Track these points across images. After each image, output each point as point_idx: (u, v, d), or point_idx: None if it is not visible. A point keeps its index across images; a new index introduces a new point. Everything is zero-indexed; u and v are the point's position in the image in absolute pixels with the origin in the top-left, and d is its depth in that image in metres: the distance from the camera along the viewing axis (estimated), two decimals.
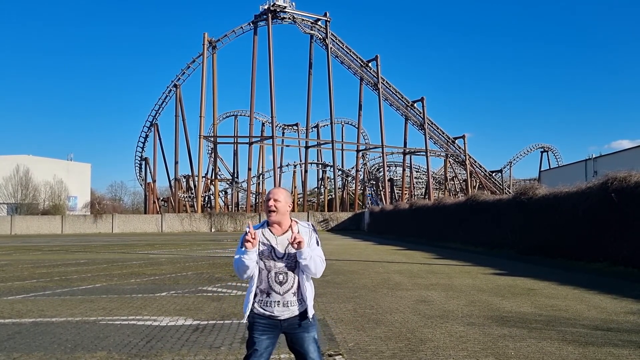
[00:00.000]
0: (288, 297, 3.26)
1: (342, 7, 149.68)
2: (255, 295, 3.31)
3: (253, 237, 3.21)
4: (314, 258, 3.27)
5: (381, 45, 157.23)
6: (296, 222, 3.42)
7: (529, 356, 5.28)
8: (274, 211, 3.31)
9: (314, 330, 3.36)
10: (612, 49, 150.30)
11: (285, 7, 59.78)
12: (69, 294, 9.89)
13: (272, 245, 3.29)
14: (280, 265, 3.27)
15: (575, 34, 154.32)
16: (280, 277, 3.26)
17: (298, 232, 3.28)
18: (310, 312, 3.33)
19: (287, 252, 3.28)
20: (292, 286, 3.28)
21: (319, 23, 62.72)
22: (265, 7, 59.13)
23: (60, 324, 7.07)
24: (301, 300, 3.30)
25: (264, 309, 3.27)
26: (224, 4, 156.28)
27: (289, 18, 61.10)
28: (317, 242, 3.40)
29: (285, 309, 3.26)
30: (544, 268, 14.26)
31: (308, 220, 3.67)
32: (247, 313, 3.30)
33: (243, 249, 3.22)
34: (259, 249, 3.28)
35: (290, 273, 3.28)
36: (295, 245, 3.21)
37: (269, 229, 3.36)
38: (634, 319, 7.18)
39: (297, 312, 3.29)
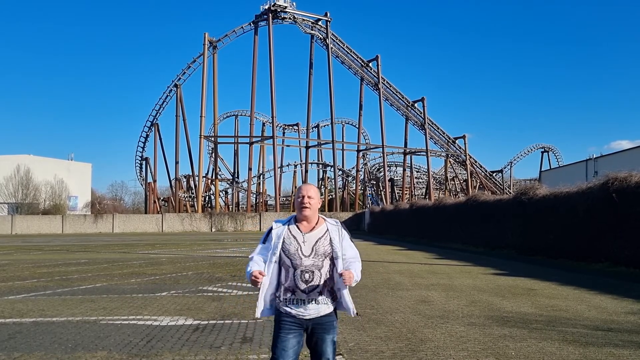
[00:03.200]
0: (313, 296, 3.17)
1: (342, 7, 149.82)
2: (280, 293, 3.23)
3: (258, 277, 3.13)
4: (358, 273, 3.26)
5: (382, 45, 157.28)
6: (324, 219, 3.36)
7: (529, 356, 5.28)
8: (308, 207, 3.25)
9: (334, 332, 3.29)
10: (611, 49, 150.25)
11: (286, 7, 59.79)
12: (70, 294, 9.90)
13: (299, 243, 3.20)
14: (308, 263, 3.17)
15: (575, 34, 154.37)
16: (307, 275, 3.17)
17: (346, 272, 3.17)
18: (351, 310, 3.27)
19: (314, 250, 3.20)
20: (318, 285, 3.18)
21: (320, 23, 62.72)
22: (266, 7, 59.15)
23: (61, 324, 7.08)
24: (327, 300, 3.22)
25: (289, 308, 3.19)
26: (224, 4, 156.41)
27: (290, 18, 61.10)
28: (351, 239, 3.35)
29: (310, 308, 3.17)
30: (544, 268, 14.26)
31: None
32: (260, 311, 3.23)
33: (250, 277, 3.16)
34: (283, 246, 3.21)
35: (316, 272, 3.18)
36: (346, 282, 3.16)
37: (296, 225, 3.28)
38: (635, 319, 7.18)
39: (323, 313, 3.21)
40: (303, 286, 3.17)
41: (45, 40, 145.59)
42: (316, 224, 3.29)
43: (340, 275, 3.17)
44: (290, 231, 3.25)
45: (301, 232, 3.24)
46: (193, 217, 56.53)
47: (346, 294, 3.27)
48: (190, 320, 7.25)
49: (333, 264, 3.24)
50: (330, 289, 3.26)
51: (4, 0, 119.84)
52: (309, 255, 3.18)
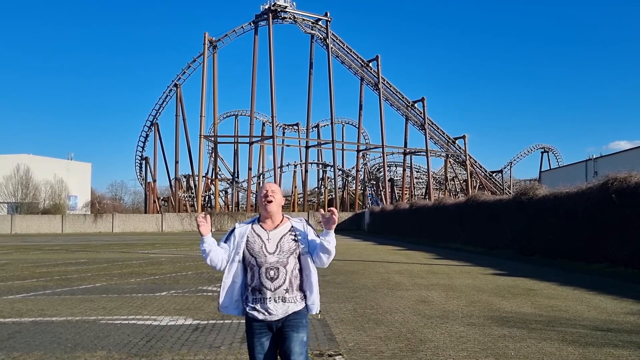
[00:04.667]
0: (280, 294, 3.11)
1: (342, 7, 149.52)
2: (248, 295, 3.18)
3: (203, 218, 3.16)
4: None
5: (382, 45, 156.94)
6: (288, 217, 3.32)
7: (529, 356, 5.28)
8: (271, 201, 3.22)
9: (304, 332, 3.16)
10: (611, 49, 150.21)
11: (286, 6, 59.77)
12: (69, 293, 9.90)
13: (263, 240, 3.17)
14: (272, 260, 3.13)
15: (575, 35, 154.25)
16: (272, 272, 3.12)
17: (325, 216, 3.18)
18: (315, 308, 3.22)
19: (279, 246, 3.16)
20: (284, 282, 3.13)
21: (320, 23, 62.70)
22: (266, 6, 59.12)
23: (60, 323, 7.07)
24: (295, 298, 3.16)
25: (257, 310, 3.11)
26: (224, 3, 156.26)
27: (290, 18, 61.09)
28: (316, 234, 3.30)
29: (278, 308, 3.09)
30: (544, 268, 14.26)
31: (308, 220, 3.49)
32: (221, 306, 3.21)
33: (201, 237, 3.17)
34: (247, 245, 3.18)
35: (281, 269, 3.13)
36: (331, 220, 3.13)
37: (260, 225, 3.26)
38: (634, 319, 7.18)
39: (291, 311, 3.13)
40: (268, 284, 3.11)
41: (45, 40, 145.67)
42: (280, 222, 3.27)
43: (323, 216, 3.15)
44: (254, 230, 3.23)
45: (265, 230, 3.22)
46: (193, 217, 56.47)
47: (314, 281, 3.22)
48: (189, 320, 7.25)
49: (299, 262, 3.21)
50: (299, 287, 3.20)
51: (4, 0, 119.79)
52: (274, 252, 3.15)
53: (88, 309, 8.16)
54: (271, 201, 3.22)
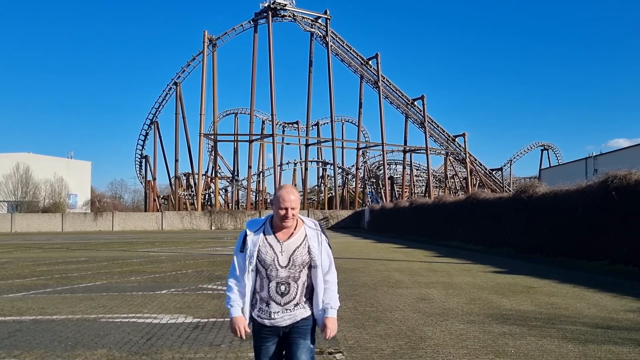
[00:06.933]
0: (289, 307, 3.01)
1: (342, 4, 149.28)
2: (255, 301, 3.08)
3: (241, 332, 3.03)
4: (336, 300, 3.11)
5: (381, 43, 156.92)
6: (302, 221, 3.11)
7: (528, 354, 5.29)
8: (290, 218, 2.99)
9: (312, 338, 3.07)
10: (610, 48, 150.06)
11: (286, 4, 59.77)
12: (70, 292, 9.90)
13: (275, 253, 2.99)
14: (284, 274, 2.98)
15: (575, 33, 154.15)
16: (282, 287, 2.99)
17: (329, 326, 3.04)
18: (333, 312, 3.09)
19: (292, 260, 2.99)
20: (294, 297, 3.01)
21: (319, 21, 62.68)
22: (266, 4, 59.13)
23: (61, 322, 7.08)
24: (304, 305, 3.06)
25: (263, 320, 3.04)
26: (224, 2, 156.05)
27: (289, 16, 61.05)
28: (329, 245, 3.14)
29: (286, 317, 3.02)
30: (543, 266, 14.27)
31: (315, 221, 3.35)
32: (232, 312, 3.07)
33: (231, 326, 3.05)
34: (259, 256, 3.01)
35: (293, 283, 2.99)
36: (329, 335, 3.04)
37: (273, 232, 3.05)
38: (634, 317, 7.19)
39: (299, 317, 3.04)
40: (278, 299, 3.00)
41: (45, 39, 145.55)
42: (294, 229, 3.06)
43: (324, 327, 3.04)
44: (266, 239, 3.03)
45: (279, 241, 3.02)
46: (193, 215, 56.56)
47: (331, 287, 3.11)
48: (190, 318, 7.25)
49: (310, 272, 3.07)
50: (309, 297, 3.09)
51: None
52: (286, 266, 2.98)
53: (88, 308, 8.17)
54: (290, 218, 3.00)
